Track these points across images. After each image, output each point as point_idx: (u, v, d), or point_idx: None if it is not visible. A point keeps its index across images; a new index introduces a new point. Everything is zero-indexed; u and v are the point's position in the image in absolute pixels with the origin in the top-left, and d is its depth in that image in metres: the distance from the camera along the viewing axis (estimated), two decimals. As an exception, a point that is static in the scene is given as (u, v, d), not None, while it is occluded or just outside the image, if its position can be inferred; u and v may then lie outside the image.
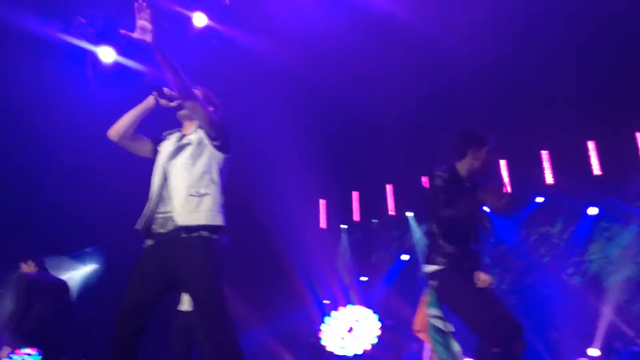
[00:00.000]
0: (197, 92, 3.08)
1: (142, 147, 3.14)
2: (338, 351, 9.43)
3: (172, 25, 6.68)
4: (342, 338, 9.51)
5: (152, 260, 2.85)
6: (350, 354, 9.34)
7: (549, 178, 9.36)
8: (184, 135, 3.06)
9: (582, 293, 9.16)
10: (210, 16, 6.88)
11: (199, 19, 6.85)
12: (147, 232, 2.89)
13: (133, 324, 2.72)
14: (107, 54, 6.88)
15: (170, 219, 2.84)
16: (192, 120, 3.10)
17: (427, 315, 3.55)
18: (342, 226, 11.24)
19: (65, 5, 6.43)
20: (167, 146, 3.05)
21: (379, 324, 9.45)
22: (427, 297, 3.56)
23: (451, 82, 7.77)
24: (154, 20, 2.69)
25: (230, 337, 2.71)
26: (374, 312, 9.55)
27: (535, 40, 7.19)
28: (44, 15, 6.31)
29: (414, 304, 3.96)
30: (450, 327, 3.53)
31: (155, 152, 3.10)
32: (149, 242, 2.90)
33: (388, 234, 11.02)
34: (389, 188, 10.65)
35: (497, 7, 6.75)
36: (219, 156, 2.99)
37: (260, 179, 8.11)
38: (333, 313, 9.73)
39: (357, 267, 10.77)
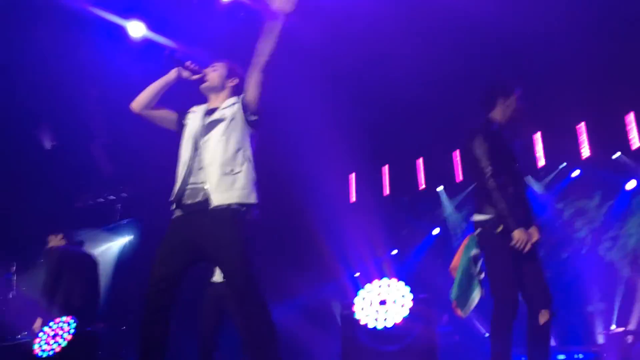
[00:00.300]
0: (224, 64, 3.09)
1: (166, 118, 3.14)
2: (371, 323, 9.47)
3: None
4: (375, 310, 9.52)
5: (181, 231, 2.86)
6: (382, 326, 9.35)
7: (586, 151, 9.11)
8: (213, 110, 3.02)
9: (620, 268, 8.97)
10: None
11: (228, -8, 6.80)
12: (178, 203, 2.90)
13: (162, 295, 2.74)
14: (136, 29, 6.90)
15: (200, 190, 2.84)
16: (217, 93, 3.09)
17: (464, 253, 3.63)
18: (372, 199, 11.19)
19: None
20: (194, 119, 3.03)
21: (411, 296, 9.43)
22: (467, 240, 3.66)
23: (484, 55, 7.57)
24: None
25: (261, 308, 2.72)
26: (406, 285, 9.52)
27: (571, 10, 6.93)
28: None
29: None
30: (480, 273, 3.59)
31: (180, 124, 3.09)
32: (178, 213, 2.91)
33: (418, 208, 10.94)
34: (420, 161, 10.53)
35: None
36: (251, 132, 2.97)
37: (291, 153, 8.11)
38: (367, 285, 9.74)
39: (388, 240, 10.74)
